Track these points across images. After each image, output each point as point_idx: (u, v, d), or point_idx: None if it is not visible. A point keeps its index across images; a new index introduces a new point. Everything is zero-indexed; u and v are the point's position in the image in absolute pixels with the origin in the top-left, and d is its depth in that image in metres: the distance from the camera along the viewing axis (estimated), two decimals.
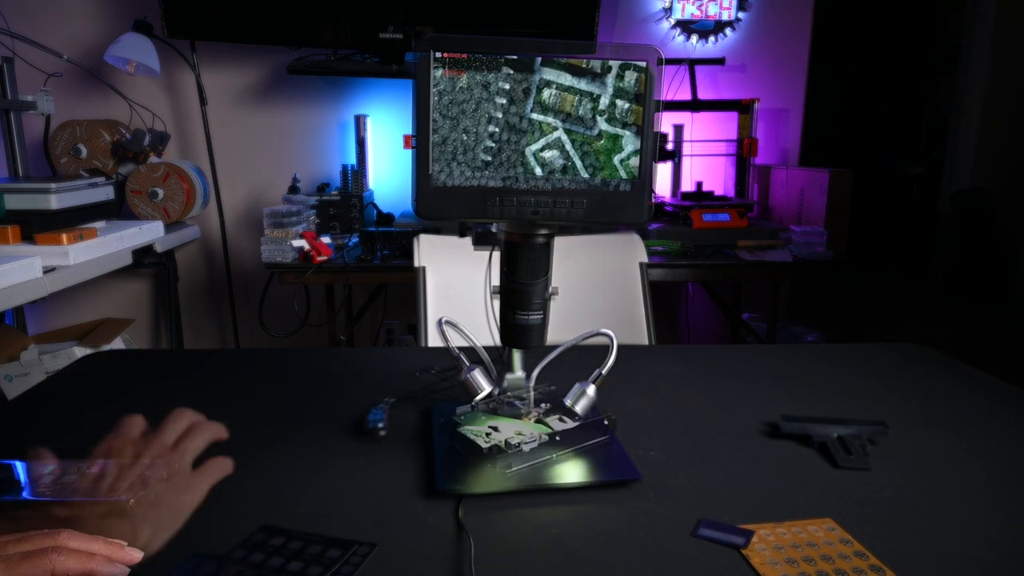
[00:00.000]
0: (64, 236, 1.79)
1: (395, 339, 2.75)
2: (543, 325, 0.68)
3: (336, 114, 2.75)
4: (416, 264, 1.40)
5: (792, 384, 0.99)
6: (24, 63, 2.43)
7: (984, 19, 3.92)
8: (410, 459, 0.75)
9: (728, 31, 2.84)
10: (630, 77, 0.59)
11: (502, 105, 0.59)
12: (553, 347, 0.81)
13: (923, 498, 0.67)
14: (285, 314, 2.83)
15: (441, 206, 0.60)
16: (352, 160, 2.74)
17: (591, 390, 0.74)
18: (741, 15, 2.83)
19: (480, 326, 0.86)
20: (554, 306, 0.71)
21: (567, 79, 0.59)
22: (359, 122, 2.60)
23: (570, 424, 0.74)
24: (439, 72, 0.58)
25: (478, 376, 0.75)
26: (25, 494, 0.64)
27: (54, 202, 1.87)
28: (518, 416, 0.77)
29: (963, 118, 4.11)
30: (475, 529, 0.61)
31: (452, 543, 0.59)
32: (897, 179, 5.50)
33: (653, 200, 0.72)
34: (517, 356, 0.86)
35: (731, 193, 2.86)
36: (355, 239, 2.38)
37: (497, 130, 0.59)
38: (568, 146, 0.60)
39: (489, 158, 0.59)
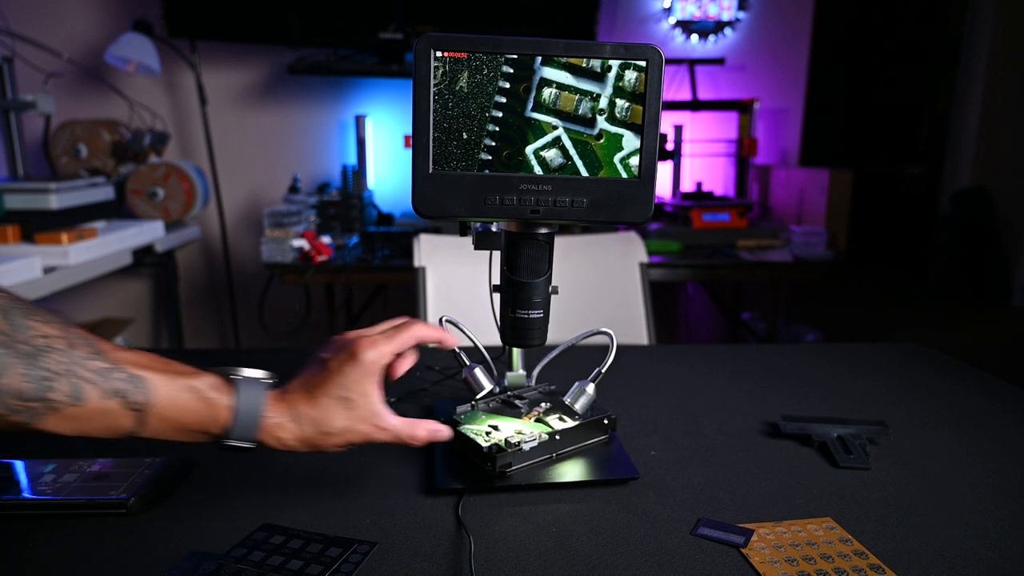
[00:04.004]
0: (64, 236, 1.79)
1: None
2: (544, 324, 0.68)
3: (336, 114, 2.75)
4: (416, 264, 1.40)
5: (792, 384, 0.99)
6: (24, 63, 2.43)
7: (984, 19, 3.92)
8: (410, 457, 0.75)
9: (728, 31, 2.84)
10: (630, 76, 0.59)
11: (501, 104, 0.59)
12: (553, 346, 0.81)
13: (923, 498, 0.67)
14: (285, 314, 2.83)
15: (441, 205, 0.60)
16: (352, 160, 2.74)
17: (591, 389, 0.74)
18: (741, 15, 2.83)
19: (481, 325, 0.86)
20: (554, 306, 0.71)
21: (567, 78, 0.59)
22: (359, 122, 2.60)
23: (570, 423, 0.74)
24: (438, 71, 0.58)
25: (479, 374, 0.75)
26: (25, 494, 0.64)
27: (54, 202, 1.87)
28: (518, 415, 0.77)
29: (963, 118, 4.11)
30: (475, 527, 0.61)
31: (452, 541, 0.59)
32: (897, 179, 5.50)
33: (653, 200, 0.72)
34: (518, 355, 0.86)
35: (731, 193, 2.86)
36: (355, 239, 2.38)
37: (497, 129, 0.59)
38: (568, 145, 0.60)
39: (489, 157, 0.59)
